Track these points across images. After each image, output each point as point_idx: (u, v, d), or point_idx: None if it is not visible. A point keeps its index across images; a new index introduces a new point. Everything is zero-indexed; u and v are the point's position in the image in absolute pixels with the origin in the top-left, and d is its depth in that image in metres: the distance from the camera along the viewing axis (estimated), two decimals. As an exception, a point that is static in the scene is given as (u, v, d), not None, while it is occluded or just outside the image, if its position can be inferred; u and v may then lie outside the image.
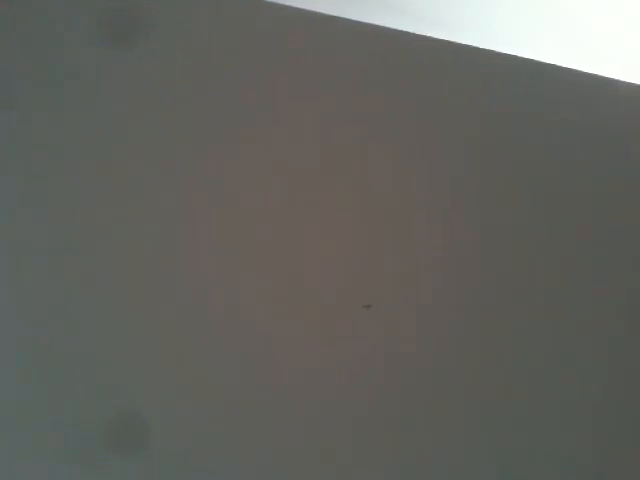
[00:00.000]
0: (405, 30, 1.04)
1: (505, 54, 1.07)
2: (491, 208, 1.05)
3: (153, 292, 0.94)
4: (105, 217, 0.94)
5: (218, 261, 0.96)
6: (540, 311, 1.05)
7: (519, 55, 1.07)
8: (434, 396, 1.01)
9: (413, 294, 1.01)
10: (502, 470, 1.02)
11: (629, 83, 1.11)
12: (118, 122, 0.96)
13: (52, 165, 0.94)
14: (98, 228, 0.94)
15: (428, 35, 1.04)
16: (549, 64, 1.08)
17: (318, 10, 1.01)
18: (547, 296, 1.05)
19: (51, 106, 0.94)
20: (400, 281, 1.01)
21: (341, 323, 0.99)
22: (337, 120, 1.01)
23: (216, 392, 0.95)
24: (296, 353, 0.97)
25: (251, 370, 0.96)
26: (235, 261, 0.97)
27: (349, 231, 1.00)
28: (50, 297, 0.92)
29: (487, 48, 1.06)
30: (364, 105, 1.02)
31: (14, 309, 0.92)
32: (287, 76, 1.00)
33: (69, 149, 0.94)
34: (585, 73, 1.09)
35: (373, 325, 1.00)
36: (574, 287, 1.06)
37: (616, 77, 1.11)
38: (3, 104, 0.93)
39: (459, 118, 1.05)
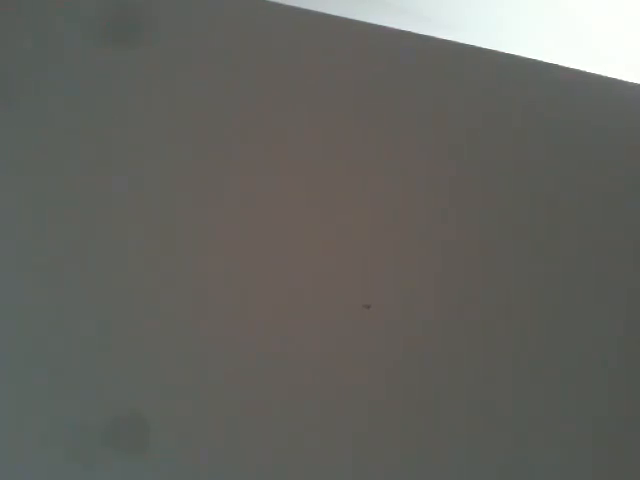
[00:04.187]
0: (405, 30, 1.04)
1: (505, 54, 1.06)
2: (491, 208, 1.05)
3: (153, 292, 0.94)
4: (105, 217, 0.94)
5: (218, 261, 0.96)
6: (541, 310, 1.05)
7: (519, 55, 1.07)
8: (434, 396, 1.01)
9: (413, 294, 1.01)
10: (502, 470, 1.02)
11: (629, 83, 1.10)
12: (118, 122, 0.96)
13: (52, 165, 0.94)
14: (98, 228, 0.94)
15: (428, 35, 1.04)
16: (549, 64, 1.08)
17: (318, 10, 1.01)
18: (548, 295, 1.05)
19: (51, 106, 0.94)
20: (400, 281, 1.01)
21: (341, 323, 0.99)
22: (336, 120, 1.01)
23: (216, 392, 0.95)
24: (296, 353, 0.97)
25: (251, 370, 0.96)
26: (234, 261, 0.97)
27: (349, 231, 1.00)
28: (50, 297, 0.92)
29: (487, 48, 1.06)
30: (364, 105, 1.02)
31: (14, 309, 0.91)
32: (287, 76, 1.00)
33: (69, 149, 0.94)
34: (585, 73, 1.09)
35: (373, 325, 1.00)
36: (574, 286, 1.06)
37: (616, 77, 1.10)
38: (3, 104, 0.93)
39: (459, 118, 1.05)
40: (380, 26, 1.03)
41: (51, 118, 0.94)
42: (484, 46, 1.06)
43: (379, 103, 1.03)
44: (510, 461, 1.02)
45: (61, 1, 0.95)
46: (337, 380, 0.98)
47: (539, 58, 1.08)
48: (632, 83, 1.10)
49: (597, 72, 1.09)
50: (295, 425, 0.97)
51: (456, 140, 1.04)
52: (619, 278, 1.08)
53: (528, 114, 1.07)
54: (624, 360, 1.07)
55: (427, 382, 1.01)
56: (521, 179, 1.06)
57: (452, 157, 1.04)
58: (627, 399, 1.07)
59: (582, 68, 1.09)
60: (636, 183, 1.10)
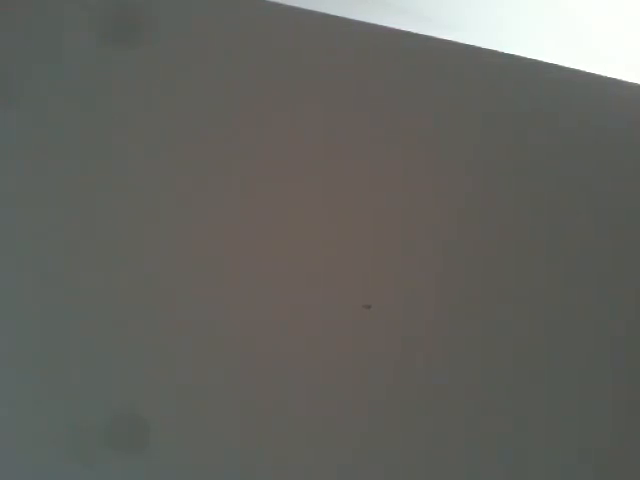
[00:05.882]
0: (405, 30, 1.04)
1: (505, 54, 1.06)
2: (492, 208, 1.05)
3: (153, 291, 0.94)
4: (104, 217, 0.94)
5: (217, 261, 0.96)
6: (541, 311, 1.05)
7: (519, 55, 1.07)
8: (434, 396, 1.01)
9: (413, 294, 1.01)
10: (502, 471, 1.02)
11: (629, 83, 1.11)
12: (118, 122, 0.96)
13: (52, 165, 0.94)
14: (97, 229, 0.94)
15: (428, 35, 1.04)
16: (549, 64, 1.08)
17: (318, 10, 1.01)
18: (548, 295, 1.05)
19: (51, 106, 0.94)
20: (400, 281, 1.01)
21: (341, 323, 0.99)
22: (337, 120, 1.01)
23: (216, 392, 0.95)
24: (296, 353, 0.97)
25: (250, 370, 0.96)
26: (234, 261, 0.97)
27: (350, 231, 1.00)
28: (50, 297, 0.92)
29: (487, 48, 1.06)
30: (364, 105, 1.02)
31: (14, 309, 0.92)
32: (287, 76, 1.00)
33: (69, 149, 0.94)
34: (585, 73, 1.09)
35: (373, 325, 1.00)
36: (575, 286, 1.06)
37: (616, 77, 1.10)
38: (3, 104, 0.93)
39: (459, 118, 1.05)
40: (380, 26, 1.03)
41: (51, 118, 0.94)
42: (484, 46, 1.06)
43: (379, 103, 1.03)
44: (510, 461, 1.02)
45: (61, 1, 0.95)
46: (337, 380, 0.98)
47: (539, 58, 1.08)
48: (632, 83, 1.10)
49: (597, 72, 1.09)
50: (295, 425, 0.97)
51: (456, 140, 1.04)
52: (619, 278, 1.08)
53: (528, 114, 1.07)
54: (625, 360, 1.07)
55: (427, 382, 1.01)
56: (521, 179, 1.06)
57: (452, 157, 1.04)
58: (628, 399, 1.07)
59: (582, 68, 1.09)
60: (636, 183, 1.10)
